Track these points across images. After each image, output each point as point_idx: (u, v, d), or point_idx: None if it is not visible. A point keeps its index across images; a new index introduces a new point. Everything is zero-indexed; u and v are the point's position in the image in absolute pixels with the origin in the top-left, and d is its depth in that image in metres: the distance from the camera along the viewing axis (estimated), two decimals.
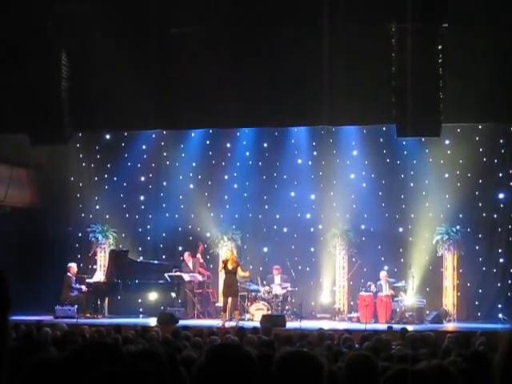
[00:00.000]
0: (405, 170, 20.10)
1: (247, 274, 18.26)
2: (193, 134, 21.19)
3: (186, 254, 20.13)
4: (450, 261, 19.30)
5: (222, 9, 16.05)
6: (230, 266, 17.59)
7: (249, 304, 18.85)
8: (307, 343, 9.67)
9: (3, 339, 2.39)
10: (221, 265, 18.04)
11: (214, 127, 19.24)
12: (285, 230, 20.88)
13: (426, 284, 19.48)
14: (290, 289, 19.18)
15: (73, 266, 19.81)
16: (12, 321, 2.44)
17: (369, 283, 18.78)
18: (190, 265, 19.99)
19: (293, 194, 20.85)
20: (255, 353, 3.14)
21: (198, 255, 20.01)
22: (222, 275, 18.48)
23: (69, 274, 19.44)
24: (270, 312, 18.41)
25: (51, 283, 19.20)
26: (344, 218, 20.14)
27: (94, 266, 20.72)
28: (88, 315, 18.76)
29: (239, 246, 20.34)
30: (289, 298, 19.21)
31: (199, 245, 20.11)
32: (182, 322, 16.40)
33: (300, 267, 20.28)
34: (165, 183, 21.56)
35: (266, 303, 18.75)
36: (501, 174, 19.86)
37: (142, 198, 21.68)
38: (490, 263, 19.73)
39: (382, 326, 16.47)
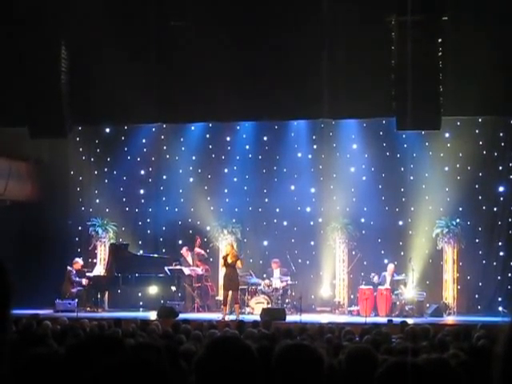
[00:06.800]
0: (405, 163, 20.08)
1: (240, 265, 18.08)
2: (193, 128, 21.19)
3: (184, 249, 20.15)
4: (449, 254, 19.30)
5: (222, 2, 16.04)
6: (229, 260, 17.61)
7: (249, 297, 18.87)
8: (307, 336, 9.66)
9: (4, 332, 2.38)
10: (222, 261, 18.02)
11: (214, 121, 19.24)
12: (285, 223, 20.88)
13: (426, 277, 19.49)
14: (289, 282, 19.19)
15: (78, 261, 19.79)
16: (13, 315, 2.42)
17: (372, 274, 18.81)
18: (189, 259, 20.01)
19: (293, 187, 20.84)
20: (255, 346, 3.13)
21: (197, 249, 20.03)
22: (222, 269, 18.49)
23: (69, 267, 19.44)
24: (270, 305, 18.42)
25: (51, 277, 19.21)
26: (344, 211, 20.14)
27: (94, 260, 20.72)
28: (88, 309, 18.79)
29: (239, 240, 20.34)
30: (289, 292, 19.22)
31: (196, 238, 20.14)
32: (181, 316, 16.40)
33: (300, 260, 20.30)
34: (165, 177, 21.56)
35: (266, 297, 18.77)
36: (501, 167, 19.85)
37: (141, 191, 21.68)
38: (490, 256, 19.74)
39: (382, 319, 16.49)
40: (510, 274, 19.56)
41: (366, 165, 20.47)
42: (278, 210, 20.87)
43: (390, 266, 18.99)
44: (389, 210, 20.23)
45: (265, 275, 19.42)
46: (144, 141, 21.48)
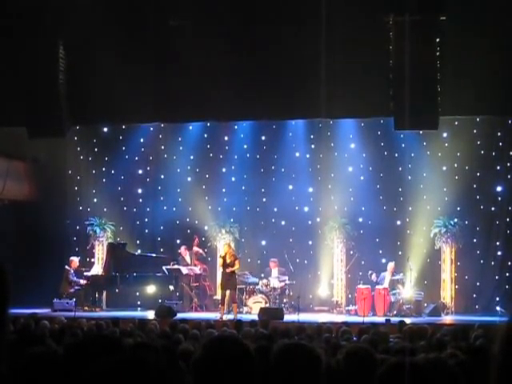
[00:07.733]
0: (402, 162, 20.08)
1: (238, 265, 18.07)
2: (191, 127, 21.19)
3: (183, 248, 20.14)
4: (447, 253, 19.30)
5: (220, 1, 16.03)
6: (228, 260, 17.59)
7: (247, 297, 18.86)
8: (305, 336, 9.67)
9: (2, 332, 2.38)
10: (220, 261, 17.98)
11: (212, 120, 19.22)
12: (283, 222, 20.87)
13: (424, 277, 19.49)
14: (287, 282, 19.18)
15: (75, 259, 19.78)
16: (11, 314, 2.43)
17: (370, 272, 18.81)
18: (187, 258, 19.99)
19: (291, 186, 20.84)
20: (253, 346, 3.14)
21: (195, 248, 20.02)
22: (219, 268, 18.48)
23: (67, 267, 19.42)
24: (267, 305, 18.41)
25: (49, 276, 19.19)
26: (342, 210, 20.14)
27: (92, 259, 20.71)
28: (86, 308, 18.78)
29: (237, 239, 20.34)
30: (287, 291, 19.21)
31: (194, 238, 20.13)
32: (179, 315, 16.39)
33: (298, 260, 20.30)
34: (162, 176, 21.55)
35: (263, 296, 18.76)
36: (498, 167, 19.86)
37: (139, 190, 21.67)
38: (487, 256, 19.75)
39: (380, 319, 16.52)
40: (507, 274, 19.56)
41: (363, 164, 20.48)
42: (275, 209, 20.86)
43: (390, 265, 18.98)
44: (387, 209, 20.24)
45: (263, 275, 19.41)
46: (142, 140, 21.48)
